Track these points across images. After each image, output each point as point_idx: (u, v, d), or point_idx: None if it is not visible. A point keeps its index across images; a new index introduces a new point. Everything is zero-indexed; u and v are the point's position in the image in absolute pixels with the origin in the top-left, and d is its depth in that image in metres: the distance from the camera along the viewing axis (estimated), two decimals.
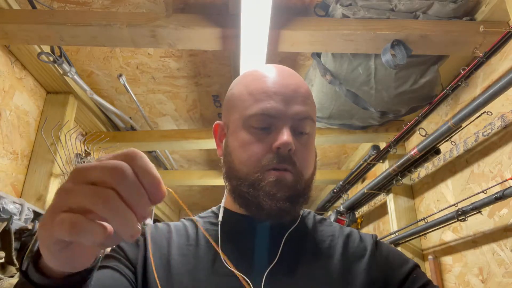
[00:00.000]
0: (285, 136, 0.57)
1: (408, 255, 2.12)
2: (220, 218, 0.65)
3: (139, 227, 0.32)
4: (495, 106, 1.52)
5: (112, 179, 0.31)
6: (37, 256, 0.39)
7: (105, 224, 0.31)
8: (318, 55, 1.73)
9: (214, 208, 0.70)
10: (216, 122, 0.70)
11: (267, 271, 0.57)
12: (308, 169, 0.62)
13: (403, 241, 2.05)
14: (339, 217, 2.73)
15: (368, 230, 2.95)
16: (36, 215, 1.66)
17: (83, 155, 2.27)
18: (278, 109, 0.59)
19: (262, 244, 0.61)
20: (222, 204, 0.69)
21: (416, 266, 0.60)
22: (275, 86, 0.62)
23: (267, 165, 0.58)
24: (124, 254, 0.59)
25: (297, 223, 0.64)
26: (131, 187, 0.32)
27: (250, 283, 0.55)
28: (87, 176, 0.32)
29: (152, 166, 0.33)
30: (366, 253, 0.61)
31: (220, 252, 0.53)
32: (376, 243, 0.63)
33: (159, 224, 0.66)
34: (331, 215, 2.76)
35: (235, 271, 0.53)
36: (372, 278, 0.58)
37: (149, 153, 3.01)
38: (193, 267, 0.58)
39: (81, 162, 2.21)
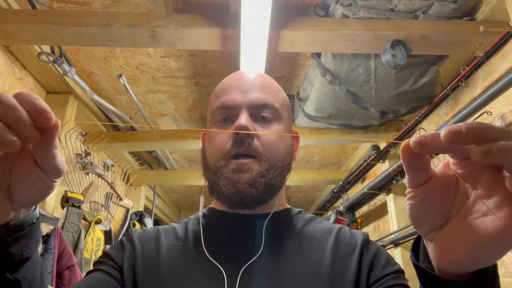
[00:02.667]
0: (242, 120, 0.60)
1: (408, 255, 2.13)
2: (200, 213, 0.68)
3: (12, 138, 0.34)
4: (495, 106, 1.52)
5: None
6: None
7: None
8: (318, 55, 1.73)
9: (204, 210, 0.72)
10: (203, 132, 0.74)
11: (248, 263, 0.57)
12: (273, 152, 0.62)
13: (403, 241, 2.05)
14: (339, 217, 2.73)
15: (368, 230, 2.95)
16: None
17: (83, 155, 2.27)
18: (234, 100, 0.63)
19: (244, 237, 0.62)
20: (211, 205, 0.72)
21: (401, 271, 0.59)
22: (233, 82, 0.67)
23: (228, 151, 0.60)
24: (109, 258, 0.61)
25: (273, 211, 0.65)
26: (3, 103, 0.34)
27: (224, 271, 0.56)
28: None
29: (36, 97, 0.36)
30: (356, 248, 0.60)
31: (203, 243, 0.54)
32: (367, 241, 0.63)
33: (148, 229, 0.68)
34: (331, 215, 2.76)
35: (212, 260, 0.57)
36: (360, 274, 0.58)
37: (149, 153, 3.02)
38: (181, 265, 0.59)
39: (81, 162, 2.22)
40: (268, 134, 0.62)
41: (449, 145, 0.33)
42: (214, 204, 0.70)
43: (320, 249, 0.60)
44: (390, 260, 0.60)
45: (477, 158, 0.32)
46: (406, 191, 0.39)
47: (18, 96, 0.35)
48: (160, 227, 0.68)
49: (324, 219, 0.70)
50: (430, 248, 0.38)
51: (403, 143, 0.35)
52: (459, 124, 0.32)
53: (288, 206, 0.71)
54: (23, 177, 0.38)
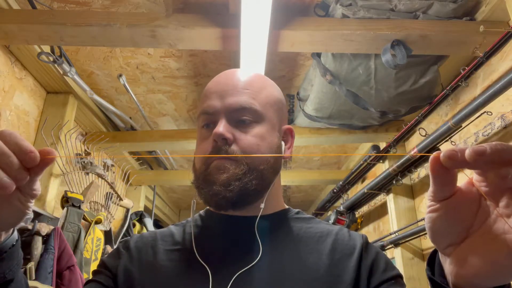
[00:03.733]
0: (219, 128, 0.60)
1: (408, 255, 2.13)
2: (191, 217, 0.68)
3: (8, 181, 0.37)
4: (495, 106, 1.52)
5: None
6: None
7: None
8: (318, 55, 1.73)
9: (201, 212, 0.72)
10: None
11: (243, 269, 0.57)
12: (252, 156, 0.62)
13: (403, 241, 2.05)
14: (339, 217, 2.73)
15: (368, 230, 2.95)
16: (36, 215, 1.66)
17: (83, 155, 2.27)
18: (213, 106, 0.64)
19: (238, 240, 0.62)
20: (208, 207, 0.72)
21: (399, 276, 0.59)
22: (213, 86, 0.67)
23: (209, 158, 0.62)
24: (105, 266, 0.62)
25: (260, 213, 0.63)
26: None
27: (213, 276, 0.56)
28: None
29: (21, 138, 0.39)
30: (355, 251, 0.60)
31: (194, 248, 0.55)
32: (367, 244, 0.62)
33: (146, 233, 0.69)
34: (331, 215, 2.76)
35: (204, 264, 0.57)
36: (358, 277, 0.57)
37: (149, 153, 3.02)
38: (176, 270, 0.59)
39: (81, 162, 2.22)
40: (247, 138, 0.62)
41: (475, 164, 0.33)
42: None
43: (318, 251, 0.60)
44: (389, 265, 0.60)
45: (494, 181, 0.33)
46: (428, 204, 0.39)
47: (2, 138, 0.38)
48: (158, 231, 0.69)
49: (323, 220, 0.70)
50: (447, 263, 0.38)
51: (432, 155, 0.35)
52: (484, 144, 0.32)
53: (286, 207, 0.70)
54: (4, 202, 0.40)
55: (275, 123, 0.67)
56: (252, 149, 0.62)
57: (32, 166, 0.39)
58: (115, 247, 0.69)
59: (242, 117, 0.63)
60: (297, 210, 0.70)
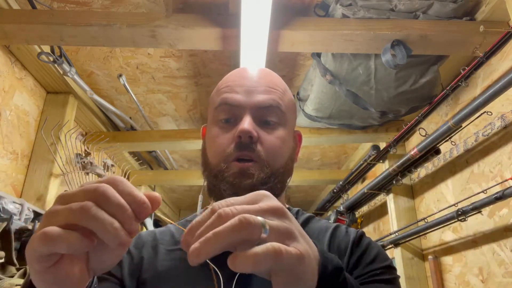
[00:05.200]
0: (245, 124, 0.58)
1: (408, 255, 2.13)
2: (198, 213, 0.65)
3: (126, 236, 0.34)
4: (495, 106, 1.52)
5: (94, 197, 0.33)
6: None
7: (87, 233, 0.33)
8: (318, 55, 1.73)
9: (201, 210, 0.70)
10: (203, 125, 0.72)
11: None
12: (276, 159, 0.60)
13: (403, 241, 2.05)
14: (339, 217, 2.73)
15: (368, 230, 2.95)
16: (36, 215, 1.66)
17: (83, 155, 2.27)
18: (238, 99, 0.60)
19: None
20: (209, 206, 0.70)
21: (389, 266, 0.57)
22: (238, 79, 0.64)
23: (230, 154, 0.58)
24: (109, 273, 0.59)
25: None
26: (112, 203, 0.34)
27: (219, 274, 0.55)
28: (71, 199, 0.34)
29: (133, 187, 0.36)
30: (348, 246, 0.60)
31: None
32: (359, 238, 0.61)
33: (143, 233, 0.66)
34: (331, 215, 2.76)
35: (209, 263, 0.54)
36: (350, 271, 0.57)
37: (149, 153, 3.02)
38: (181, 270, 0.58)
39: (81, 162, 2.22)
40: (271, 140, 0.60)
41: None
42: (213, 198, 0.69)
43: None
44: (379, 256, 0.58)
45: None
46: None
47: (117, 188, 0.35)
48: (156, 230, 0.67)
49: (323, 219, 0.69)
50: None
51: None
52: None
53: (287, 206, 0.70)
54: (107, 247, 0.38)
55: (292, 127, 0.67)
56: (275, 151, 0.60)
57: (143, 218, 0.37)
58: None
59: (267, 117, 0.61)
60: (297, 209, 0.70)
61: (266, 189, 0.56)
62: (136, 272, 0.59)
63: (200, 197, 0.63)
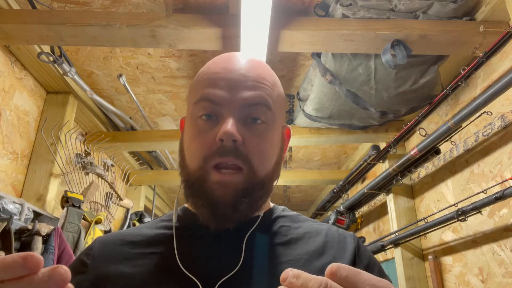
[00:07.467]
0: (228, 125, 0.51)
1: (408, 255, 2.13)
2: (174, 220, 0.59)
3: None
4: (495, 106, 1.52)
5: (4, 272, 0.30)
6: None
7: None
8: (318, 55, 1.73)
9: (178, 210, 0.64)
10: (181, 117, 0.64)
11: (226, 277, 0.51)
12: (263, 162, 0.55)
13: (403, 241, 2.05)
14: (339, 217, 2.73)
15: (368, 230, 2.95)
16: (36, 215, 1.66)
17: (83, 155, 2.27)
18: (222, 96, 0.53)
19: (221, 248, 0.55)
20: (185, 205, 0.64)
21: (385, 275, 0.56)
22: (222, 71, 0.55)
23: (209, 158, 0.52)
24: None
25: (257, 223, 0.58)
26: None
27: (198, 283, 0.50)
28: None
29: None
30: (345, 254, 0.57)
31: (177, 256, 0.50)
32: (359, 248, 0.59)
33: (111, 235, 0.61)
34: (331, 215, 2.76)
35: (187, 273, 0.50)
36: None
37: (149, 153, 3.02)
38: (153, 277, 0.53)
39: (81, 162, 2.22)
40: (258, 143, 0.54)
41: None
42: (190, 204, 0.62)
43: (307, 253, 0.56)
44: (380, 273, 0.57)
45: None
46: None
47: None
48: (125, 232, 0.61)
49: (309, 218, 0.66)
50: None
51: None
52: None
53: (271, 206, 0.65)
54: None
55: (281, 124, 0.60)
56: (262, 156, 0.55)
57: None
58: (76, 258, 0.60)
59: (254, 115, 0.54)
60: (282, 207, 0.66)
61: (249, 201, 0.52)
62: (98, 283, 0.53)
63: (176, 202, 0.57)
